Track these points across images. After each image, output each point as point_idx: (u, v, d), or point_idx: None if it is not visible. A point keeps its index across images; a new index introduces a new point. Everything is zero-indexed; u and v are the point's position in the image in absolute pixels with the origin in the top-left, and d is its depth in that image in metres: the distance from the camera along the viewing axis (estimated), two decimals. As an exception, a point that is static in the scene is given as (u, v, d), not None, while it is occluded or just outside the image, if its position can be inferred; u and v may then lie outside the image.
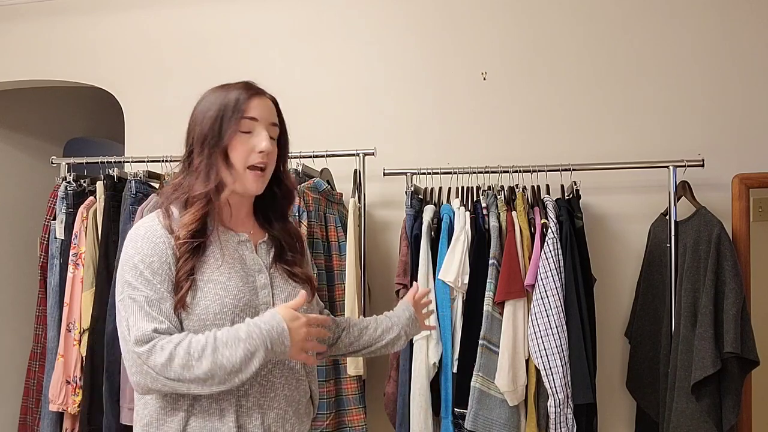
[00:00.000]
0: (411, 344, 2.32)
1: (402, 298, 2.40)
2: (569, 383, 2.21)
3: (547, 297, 2.23)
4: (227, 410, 1.32)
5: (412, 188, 2.52)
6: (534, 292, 2.26)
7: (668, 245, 2.34)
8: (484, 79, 2.80)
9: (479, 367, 2.25)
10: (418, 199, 2.54)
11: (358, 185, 2.59)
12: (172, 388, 1.26)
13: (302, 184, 2.41)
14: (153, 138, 3.05)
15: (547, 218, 2.31)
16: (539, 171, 2.44)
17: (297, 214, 2.31)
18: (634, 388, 2.49)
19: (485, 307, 2.27)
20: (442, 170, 2.53)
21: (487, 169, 2.49)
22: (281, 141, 1.46)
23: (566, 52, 2.73)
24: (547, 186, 2.53)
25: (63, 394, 2.57)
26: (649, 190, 2.56)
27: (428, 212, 2.44)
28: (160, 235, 1.33)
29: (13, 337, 3.55)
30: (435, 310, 2.31)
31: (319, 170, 2.64)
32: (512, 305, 2.27)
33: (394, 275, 2.53)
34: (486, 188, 2.47)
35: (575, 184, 2.45)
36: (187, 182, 1.39)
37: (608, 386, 2.59)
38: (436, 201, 2.57)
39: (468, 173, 2.51)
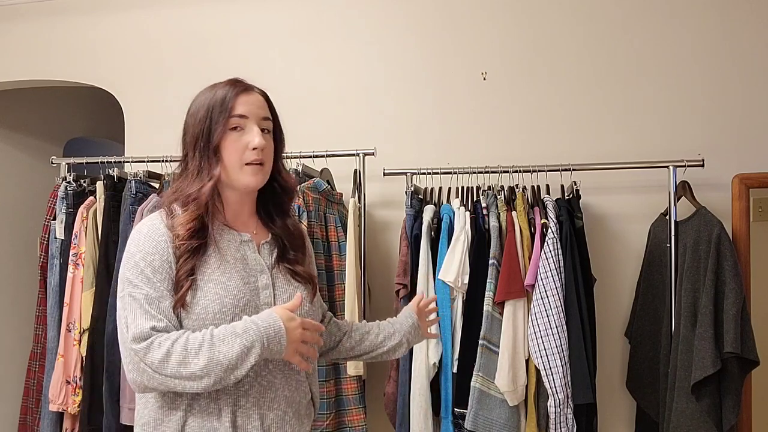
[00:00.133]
0: (411, 344, 2.33)
1: (402, 298, 2.42)
2: (569, 383, 2.21)
3: (547, 297, 2.23)
4: (225, 410, 1.31)
5: (412, 188, 2.52)
6: (534, 292, 2.26)
7: (668, 245, 2.34)
8: (484, 79, 2.80)
9: (479, 367, 2.25)
10: (418, 199, 2.54)
11: (358, 185, 2.59)
12: (169, 386, 1.25)
13: (302, 184, 2.41)
14: (153, 138, 3.05)
15: (547, 218, 2.31)
16: (539, 171, 2.44)
17: (297, 214, 2.31)
18: (634, 388, 2.49)
19: (485, 307, 2.27)
20: (442, 170, 2.53)
21: (487, 169, 2.49)
22: (276, 135, 1.45)
23: (566, 52, 2.73)
24: (547, 186, 2.53)
25: (63, 394, 2.57)
26: (649, 190, 2.56)
27: (428, 212, 2.44)
28: (162, 233, 1.34)
29: (13, 337, 3.55)
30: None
31: (319, 170, 2.64)
32: (512, 305, 2.27)
33: (394, 275, 2.53)
34: (486, 188, 2.47)
35: (575, 184, 2.45)
36: (184, 183, 1.39)
37: (608, 386, 2.59)
38: (436, 201, 2.57)
39: (468, 173, 2.51)
